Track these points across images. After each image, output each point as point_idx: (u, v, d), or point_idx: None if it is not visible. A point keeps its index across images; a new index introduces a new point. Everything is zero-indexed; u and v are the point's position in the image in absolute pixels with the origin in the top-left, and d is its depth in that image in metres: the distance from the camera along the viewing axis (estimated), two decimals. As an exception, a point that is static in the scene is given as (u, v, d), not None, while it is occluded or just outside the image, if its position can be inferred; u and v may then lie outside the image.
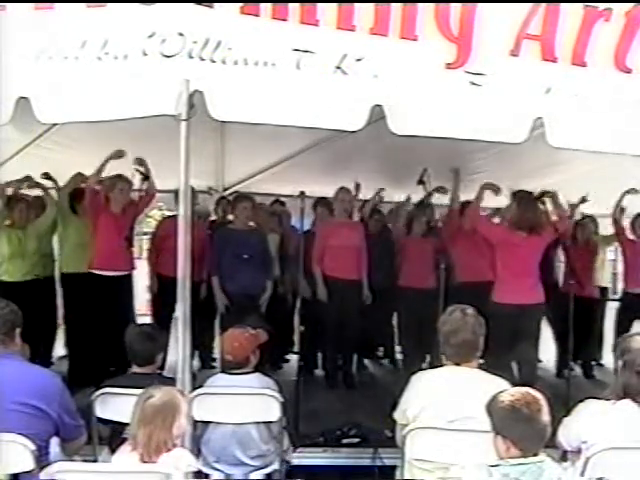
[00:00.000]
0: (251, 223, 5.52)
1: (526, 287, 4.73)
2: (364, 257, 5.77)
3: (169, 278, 5.01)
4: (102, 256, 5.14)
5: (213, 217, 6.65)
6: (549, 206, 5.03)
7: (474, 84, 3.02)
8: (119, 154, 4.89)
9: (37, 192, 5.52)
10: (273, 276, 5.59)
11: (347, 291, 5.65)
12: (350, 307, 5.70)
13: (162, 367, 3.26)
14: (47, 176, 5.44)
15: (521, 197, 4.86)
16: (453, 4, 2.99)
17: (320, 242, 5.70)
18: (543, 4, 3.01)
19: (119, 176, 5.30)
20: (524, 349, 4.86)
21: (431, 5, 2.98)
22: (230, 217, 5.91)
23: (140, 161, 5.16)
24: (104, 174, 5.10)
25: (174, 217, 5.58)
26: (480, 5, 3.00)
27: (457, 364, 2.89)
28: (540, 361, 5.80)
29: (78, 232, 5.39)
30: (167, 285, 5.16)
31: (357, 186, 6.00)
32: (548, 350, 6.23)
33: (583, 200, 5.80)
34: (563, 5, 3.03)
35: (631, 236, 6.08)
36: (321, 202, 6.15)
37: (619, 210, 5.95)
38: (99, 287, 5.09)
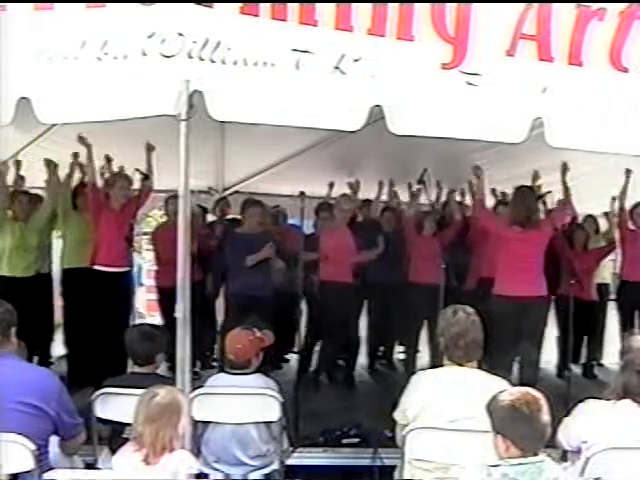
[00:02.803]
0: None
1: (526, 280, 4.73)
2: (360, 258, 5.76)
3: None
4: (103, 252, 5.14)
5: (211, 217, 6.66)
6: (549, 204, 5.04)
7: (470, 84, 3.01)
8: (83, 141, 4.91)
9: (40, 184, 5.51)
10: (278, 280, 5.57)
11: (343, 294, 5.62)
12: (347, 310, 5.70)
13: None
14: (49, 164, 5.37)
15: (519, 192, 4.89)
16: (449, 4, 2.99)
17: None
18: (535, 4, 3.01)
19: (120, 174, 5.31)
20: (526, 344, 4.86)
21: (427, 6, 2.98)
22: (228, 217, 5.89)
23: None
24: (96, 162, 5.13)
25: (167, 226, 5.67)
26: (475, 5, 2.99)
27: (460, 364, 2.89)
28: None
29: (79, 228, 5.39)
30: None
31: (351, 185, 6.00)
32: (548, 350, 6.21)
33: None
34: (555, 5, 3.03)
35: (631, 226, 6.06)
36: (323, 206, 6.06)
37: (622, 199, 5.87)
38: (99, 283, 5.09)
